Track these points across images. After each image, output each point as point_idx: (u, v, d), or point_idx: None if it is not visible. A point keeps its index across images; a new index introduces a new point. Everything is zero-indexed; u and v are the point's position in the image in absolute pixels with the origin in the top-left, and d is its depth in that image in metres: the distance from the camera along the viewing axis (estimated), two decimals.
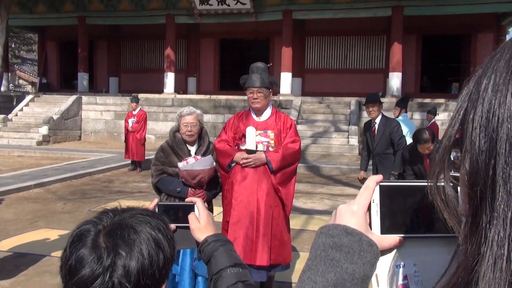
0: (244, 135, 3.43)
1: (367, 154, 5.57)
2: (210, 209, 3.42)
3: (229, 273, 1.08)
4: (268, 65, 15.34)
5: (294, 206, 7.41)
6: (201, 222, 1.19)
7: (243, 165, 3.36)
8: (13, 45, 35.84)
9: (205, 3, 16.69)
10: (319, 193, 8.55)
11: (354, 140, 12.99)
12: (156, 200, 1.22)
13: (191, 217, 1.19)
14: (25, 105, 17.27)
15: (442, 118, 13.55)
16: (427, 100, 14.38)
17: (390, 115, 6.84)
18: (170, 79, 17.75)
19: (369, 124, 5.48)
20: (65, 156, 12.89)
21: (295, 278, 4.23)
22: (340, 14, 15.96)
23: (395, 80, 15.34)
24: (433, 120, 9.48)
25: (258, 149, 3.39)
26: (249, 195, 3.35)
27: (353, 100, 14.39)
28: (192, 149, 3.32)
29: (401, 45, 15.25)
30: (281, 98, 15.58)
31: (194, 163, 3.13)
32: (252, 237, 3.32)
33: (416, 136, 4.58)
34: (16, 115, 16.78)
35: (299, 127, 13.75)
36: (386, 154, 5.15)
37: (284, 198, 3.42)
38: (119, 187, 8.78)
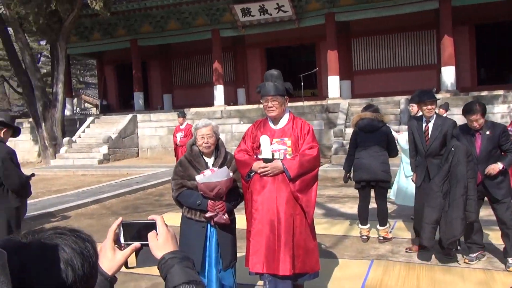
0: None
1: (415, 155, 5.02)
2: (232, 219, 3.45)
3: None
4: (314, 70, 15.19)
5: (339, 211, 7.32)
6: (159, 240, 1.20)
7: (261, 174, 3.37)
8: (78, 72, 38.34)
9: (248, 15, 16.93)
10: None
11: None
12: (120, 219, 1.25)
13: (150, 235, 1.21)
14: (86, 127, 18.36)
15: (501, 110, 12.74)
16: (485, 93, 13.57)
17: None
18: (219, 91, 18.14)
19: (417, 122, 4.98)
20: (123, 172, 13.52)
21: (331, 285, 4.15)
22: (383, 12, 15.53)
23: (448, 75, 14.64)
24: (444, 115, 8.87)
25: (275, 157, 3.38)
26: (269, 204, 3.34)
27: (402, 99, 13.89)
28: (209, 161, 3.38)
29: (452, 37, 14.56)
30: (329, 102, 15.38)
31: (210, 175, 3.19)
32: (273, 246, 3.30)
33: (466, 106, 4.41)
34: (79, 136, 17.88)
35: (347, 130, 13.48)
36: (441, 156, 4.81)
37: (304, 205, 3.37)
38: (169, 201, 9.04)
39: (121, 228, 1.22)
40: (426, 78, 16.60)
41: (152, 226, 1.23)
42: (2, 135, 3.92)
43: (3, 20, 16.51)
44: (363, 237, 5.49)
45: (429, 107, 4.77)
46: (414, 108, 5.99)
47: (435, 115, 4.87)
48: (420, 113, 5.70)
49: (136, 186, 10.53)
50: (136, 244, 1.22)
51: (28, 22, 14.88)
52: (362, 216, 5.52)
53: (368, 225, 5.54)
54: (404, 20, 16.55)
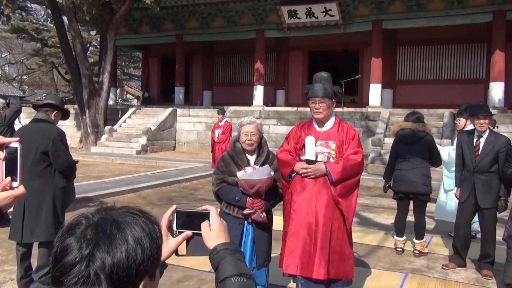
0: (304, 145, 3.42)
1: (461, 169, 4.84)
2: (269, 218, 3.45)
3: (233, 282, 1.09)
4: (357, 77, 14.99)
5: (374, 221, 7.18)
6: (212, 231, 1.21)
7: (302, 175, 3.35)
8: (123, 63, 39.42)
9: (294, 17, 16.91)
10: None
11: None
12: (174, 206, 1.25)
13: (203, 225, 1.21)
14: (128, 117, 18.83)
15: None
16: None
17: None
18: (259, 92, 18.20)
19: (468, 135, 4.80)
20: (159, 164, 13.78)
21: None
22: (434, 22, 15.15)
23: (496, 91, 14.12)
24: None
25: (318, 159, 3.36)
26: (308, 206, 3.32)
27: (446, 112, 13.49)
28: (251, 159, 3.39)
29: (503, 52, 14.04)
30: (369, 110, 15.15)
31: (251, 172, 3.20)
32: (309, 249, 3.28)
33: None
34: (120, 126, 18.35)
35: (386, 140, 13.23)
36: (490, 173, 4.60)
37: (344, 211, 3.33)
38: (203, 195, 9.17)
39: (175, 215, 1.23)
40: (473, 93, 16.08)
41: (205, 216, 1.23)
42: (52, 117, 4.06)
43: (59, 9, 17.20)
44: (397, 249, 5.37)
45: (482, 121, 4.60)
46: (461, 122, 5.80)
47: (488, 131, 4.69)
48: (468, 127, 5.53)
49: (172, 178, 10.71)
50: (188, 232, 1.22)
51: (82, 11, 15.44)
52: (399, 228, 5.40)
53: (404, 237, 5.42)
54: (454, 31, 16.11)
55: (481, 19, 14.48)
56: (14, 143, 1.33)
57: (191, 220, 1.23)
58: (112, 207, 0.95)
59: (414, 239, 5.34)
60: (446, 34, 16.39)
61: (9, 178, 1.32)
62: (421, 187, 5.12)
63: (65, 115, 4.22)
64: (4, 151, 1.31)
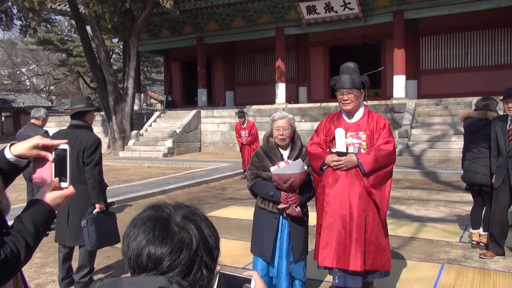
0: (334, 138, 3.42)
1: (496, 155, 4.73)
2: (304, 212, 3.46)
3: None
4: (380, 69, 14.72)
5: (405, 213, 7.11)
6: None
7: (334, 167, 3.35)
8: (145, 69, 40.00)
9: (313, 12, 16.82)
10: (435, 200, 8.01)
11: None
12: (218, 267, 1.20)
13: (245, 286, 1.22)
14: (153, 121, 19.12)
15: None
16: None
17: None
18: (281, 89, 18.19)
19: (502, 120, 4.71)
20: (186, 166, 13.96)
21: (401, 286, 4.05)
22: (457, 9, 14.82)
23: None
24: None
25: (349, 151, 3.35)
26: (341, 198, 3.32)
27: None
28: (285, 153, 3.40)
29: None
30: (394, 102, 14.94)
31: (285, 167, 3.22)
32: (344, 241, 3.28)
33: None
34: (146, 130, 18.65)
35: (413, 131, 13.04)
36: None
37: (378, 201, 3.31)
38: (231, 194, 9.25)
39: (217, 277, 1.17)
40: (500, 79, 15.65)
41: (247, 280, 1.22)
42: (87, 120, 4.14)
43: (83, 19, 17.60)
44: (472, 242, 5.19)
45: (510, 105, 4.51)
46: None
47: None
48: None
49: (200, 179, 10.82)
50: None
51: (105, 20, 15.75)
52: (472, 220, 5.24)
53: (478, 230, 5.18)
54: (478, 17, 15.72)
55: (506, 2, 14.08)
56: (63, 145, 1.39)
57: (233, 283, 1.21)
58: (179, 203, 1.13)
59: (481, 230, 5.15)
60: (470, 20, 16.02)
61: (57, 178, 1.38)
62: (482, 178, 4.93)
63: (96, 110, 4.33)
64: (53, 153, 1.38)
